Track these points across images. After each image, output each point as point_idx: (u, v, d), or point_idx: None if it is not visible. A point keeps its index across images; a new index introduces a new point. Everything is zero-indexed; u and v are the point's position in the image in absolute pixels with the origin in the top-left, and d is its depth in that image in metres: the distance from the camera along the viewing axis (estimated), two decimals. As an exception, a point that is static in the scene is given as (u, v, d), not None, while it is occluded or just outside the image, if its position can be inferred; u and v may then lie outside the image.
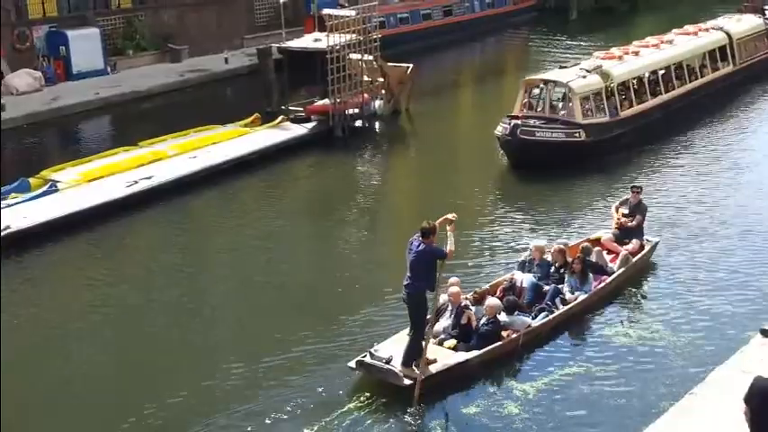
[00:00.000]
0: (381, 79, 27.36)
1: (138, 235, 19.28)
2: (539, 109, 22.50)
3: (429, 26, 41.04)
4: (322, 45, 25.60)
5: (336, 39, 25.08)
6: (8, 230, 17.74)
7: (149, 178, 20.91)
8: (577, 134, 21.61)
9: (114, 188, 20.31)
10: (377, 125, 27.01)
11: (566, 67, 23.81)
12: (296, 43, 27.74)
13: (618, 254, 15.23)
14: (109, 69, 32.72)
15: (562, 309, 13.58)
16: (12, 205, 19.05)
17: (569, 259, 14.43)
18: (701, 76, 27.33)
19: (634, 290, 14.85)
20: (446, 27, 41.79)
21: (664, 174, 21.30)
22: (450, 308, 12.95)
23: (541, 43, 41.32)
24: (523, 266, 14.61)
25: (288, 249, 18.08)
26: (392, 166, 24.27)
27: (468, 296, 13.27)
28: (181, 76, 32.98)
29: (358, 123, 26.22)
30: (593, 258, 14.73)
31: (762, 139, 24.86)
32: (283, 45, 27.72)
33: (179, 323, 14.86)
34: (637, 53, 25.29)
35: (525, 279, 14.08)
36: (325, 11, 28.18)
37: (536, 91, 22.82)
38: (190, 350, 13.80)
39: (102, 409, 12.15)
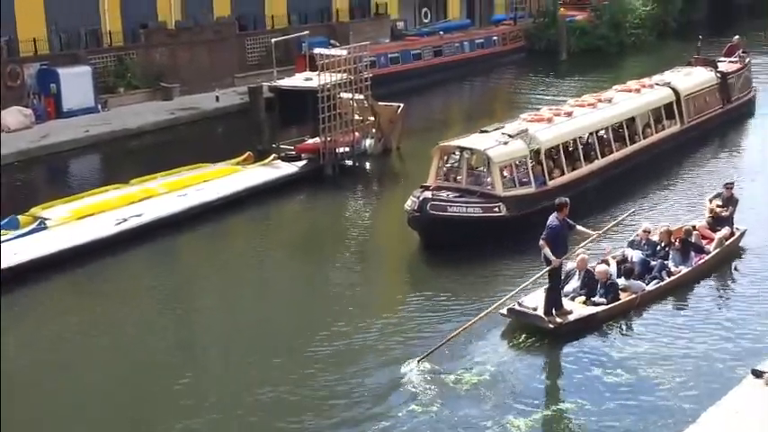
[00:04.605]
0: (372, 118, 27.46)
1: (127, 273, 19.16)
2: (458, 178, 20.03)
3: (419, 66, 41.34)
4: (313, 84, 25.71)
5: (327, 78, 25.20)
6: (-4, 268, 17.64)
7: (139, 216, 20.85)
8: (497, 209, 19.12)
9: (104, 226, 20.22)
10: (367, 164, 27.05)
11: (487, 131, 20.87)
12: (287, 82, 27.86)
13: (710, 239, 17.78)
14: (100, 107, 32.75)
15: (669, 279, 16.36)
16: (1, 242, 18.93)
17: (674, 240, 17.20)
18: (644, 138, 24.59)
19: (725, 268, 17.65)
20: (436, 67, 42.11)
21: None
22: (577, 273, 15.85)
23: (531, 84, 41.62)
24: (632, 244, 17.33)
25: (277, 288, 18.00)
26: (382, 205, 24.26)
27: (593, 264, 16.07)
28: (171, 114, 33.02)
29: (348, 162, 26.27)
30: (692, 240, 17.38)
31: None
32: (274, 84, 27.83)
33: (171, 359, 14.76)
34: (570, 114, 22.74)
35: (635, 255, 16.78)
36: (317, 50, 28.35)
37: (455, 156, 20.48)
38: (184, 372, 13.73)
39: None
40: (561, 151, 21.45)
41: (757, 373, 12.36)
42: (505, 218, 19.07)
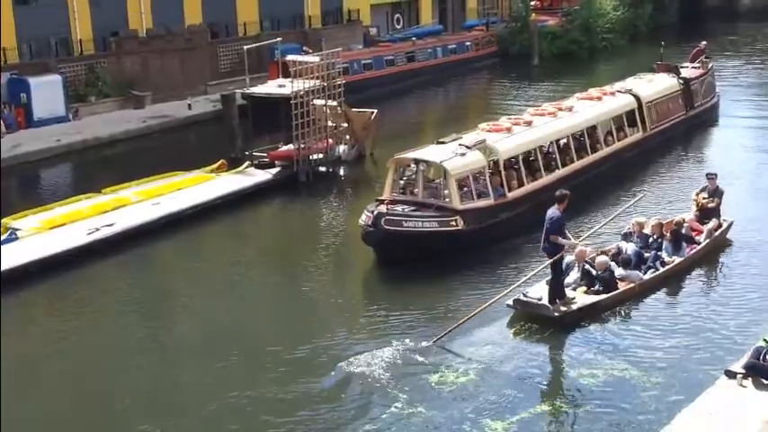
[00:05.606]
0: (345, 125, 27.48)
1: (99, 283, 18.97)
2: (414, 191, 19.38)
3: (392, 72, 41.45)
4: (286, 91, 25.69)
5: (300, 85, 25.20)
6: (-34, 280, 17.45)
7: (111, 225, 20.70)
8: (453, 222, 18.49)
9: (76, 236, 20.06)
10: (341, 170, 27.04)
11: (444, 142, 20.13)
12: (260, 89, 27.80)
13: (699, 231, 18.44)
14: (71, 116, 32.55)
15: (664, 269, 17.01)
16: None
17: (665, 232, 17.83)
18: (606, 146, 23.91)
19: (715, 258, 18.36)
20: (409, 73, 42.24)
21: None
22: (576, 264, 16.36)
23: (504, 89, 41.84)
24: (626, 237, 17.93)
25: (252, 295, 17.92)
26: (356, 212, 23.93)
27: (591, 257, 16.65)
28: (144, 122, 32.87)
29: (322, 169, 26.26)
30: (683, 231, 18.11)
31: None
32: (247, 91, 27.77)
33: (144, 369, 14.66)
34: (529, 123, 22.03)
35: (629, 247, 17.36)
36: (290, 57, 28.35)
37: (411, 169, 19.71)
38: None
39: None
40: (521, 161, 20.85)
41: (730, 374, 12.46)
42: (463, 231, 18.52)
